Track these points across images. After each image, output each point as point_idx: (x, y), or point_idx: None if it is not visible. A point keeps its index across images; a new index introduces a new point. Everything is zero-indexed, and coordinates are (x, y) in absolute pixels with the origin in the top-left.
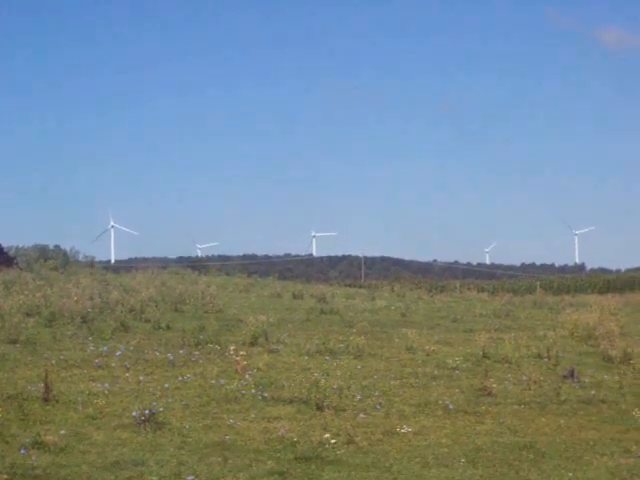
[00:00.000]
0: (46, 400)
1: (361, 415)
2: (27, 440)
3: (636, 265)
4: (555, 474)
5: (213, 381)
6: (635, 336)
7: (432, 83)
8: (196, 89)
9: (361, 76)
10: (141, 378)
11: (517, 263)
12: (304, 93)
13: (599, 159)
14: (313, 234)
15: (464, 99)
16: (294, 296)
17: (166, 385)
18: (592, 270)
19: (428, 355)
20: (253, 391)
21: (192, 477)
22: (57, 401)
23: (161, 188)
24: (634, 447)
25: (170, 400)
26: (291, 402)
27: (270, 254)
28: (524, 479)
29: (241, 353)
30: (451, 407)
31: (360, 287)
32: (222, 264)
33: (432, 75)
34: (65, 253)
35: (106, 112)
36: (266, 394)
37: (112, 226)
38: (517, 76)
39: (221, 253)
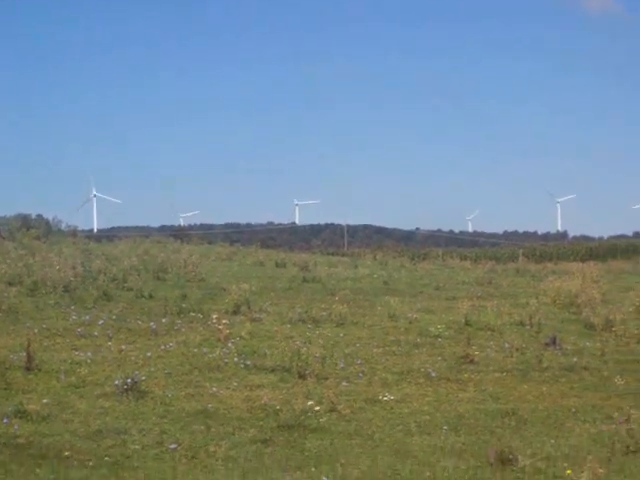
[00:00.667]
0: (28, 369)
1: (344, 383)
2: (9, 409)
3: (618, 232)
4: (537, 441)
5: (195, 349)
6: (617, 303)
7: (416, 61)
8: (181, 63)
9: (344, 54)
10: (123, 347)
11: (500, 231)
12: (291, 66)
13: (580, 127)
14: (296, 202)
15: (446, 75)
16: (277, 264)
17: (148, 354)
18: (574, 238)
19: (410, 323)
20: (235, 359)
21: (175, 445)
22: (39, 370)
23: (144, 157)
24: (616, 414)
25: (152, 369)
26: (273, 370)
27: (253, 223)
28: (506, 446)
29: (223, 321)
30: (433, 375)
31: (343, 255)
32: (205, 233)
33: (415, 54)
34: (47, 222)
35: (88, 81)
36: (248, 362)
37: (94, 195)
38: (497, 54)
39: (204, 222)
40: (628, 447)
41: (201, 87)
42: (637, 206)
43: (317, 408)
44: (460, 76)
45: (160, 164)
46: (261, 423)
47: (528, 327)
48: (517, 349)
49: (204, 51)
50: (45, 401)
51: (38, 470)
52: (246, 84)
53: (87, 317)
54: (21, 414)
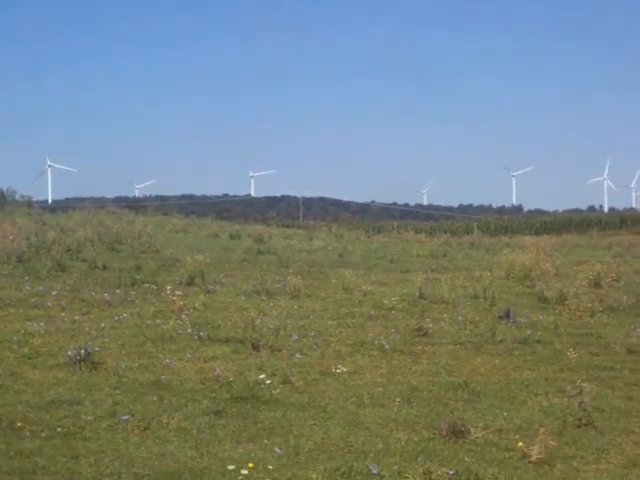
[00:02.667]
0: None
1: (297, 355)
2: None
3: (572, 207)
4: (490, 413)
5: (149, 321)
6: (571, 277)
7: (371, 35)
8: (137, 38)
9: (300, 28)
10: (77, 318)
11: (455, 204)
12: (248, 40)
13: (535, 100)
14: (251, 174)
15: (401, 50)
16: (231, 236)
17: (102, 325)
18: (529, 211)
19: (365, 295)
20: (189, 331)
21: (127, 416)
22: None
23: (99, 129)
24: (568, 387)
25: (106, 340)
26: (227, 342)
27: (208, 194)
28: (458, 418)
29: (177, 293)
30: (387, 347)
31: (298, 228)
32: (160, 204)
33: (371, 28)
34: (2, 193)
35: (43, 50)
36: (202, 334)
37: (49, 165)
38: (450, 27)
39: (159, 193)
40: (580, 420)
41: (157, 61)
42: (592, 180)
43: (270, 380)
44: (415, 50)
45: (115, 135)
46: (214, 394)
47: (482, 300)
48: (471, 322)
49: (160, 27)
50: None
51: None
52: (202, 57)
53: (41, 288)
54: None
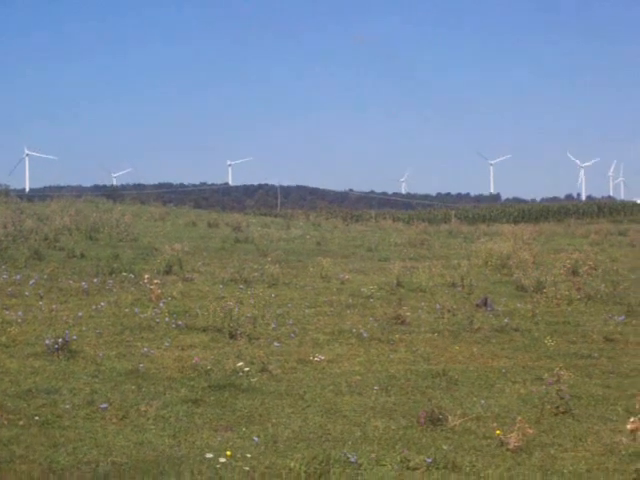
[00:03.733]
0: None
1: (275, 343)
2: None
3: (550, 195)
4: (467, 401)
5: (127, 309)
6: (548, 265)
7: (346, 23)
8: (116, 28)
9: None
10: (55, 306)
11: (433, 193)
12: (223, 30)
13: (513, 88)
14: (229, 163)
15: (376, 38)
16: (209, 225)
17: (80, 313)
18: (507, 200)
19: (343, 284)
20: (167, 319)
21: (105, 405)
22: None
23: (75, 116)
24: (545, 375)
25: (84, 328)
26: (205, 330)
27: (186, 183)
28: (436, 406)
29: (155, 282)
30: (365, 335)
31: (276, 216)
32: (137, 193)
33: (345, 17)
34: None
35: (19, 41)
36: (180, 322)
37: (27, 154)
38: (428, 18)
39: (136, 182)
40: (557, 408)
41: (134, 50)
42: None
43: (248, 368)
44: (391, 39)
45: (93, 124)
46: (192, 383)
47: (460, 288)
48: (448, 310)
49: (136, 16)
50: None
51: None
52: (179, 47)
53: (18, 276)
54: None
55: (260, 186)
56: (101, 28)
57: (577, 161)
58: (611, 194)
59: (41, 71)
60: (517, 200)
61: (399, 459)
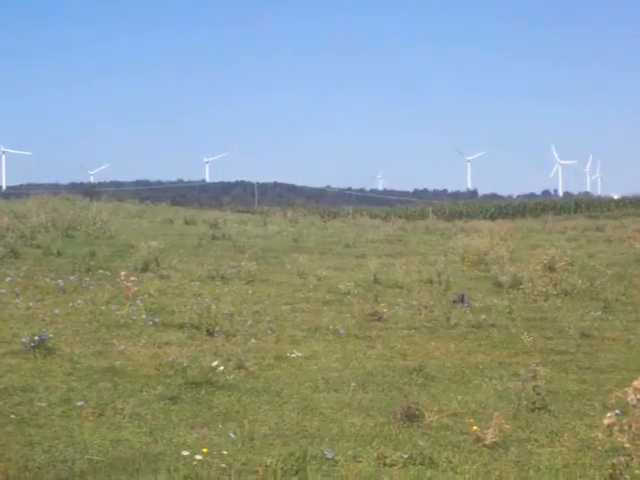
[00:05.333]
0: None
1: (252, 340)
2: None
3: (527, 191)
4: (444, 397)
5: (104, 307)
6: (525, 261)
7: (319, 16)
8: (91, 19)
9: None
10: (31, 304)
11: (410, 189)
12: (198, 24)
13: (490, 84)
14: (206, 160)
15: (353, 27)
16: (186, 222)
17: (56, 311)
18: (484, 196)
19: (319, 280)
20: (144, 317)
21: (82, 402)
22: None
23: (51, 112)
24: (522, 370)
25: (60, 326)
26: (182, 328)
27: (163, 180)
28: (413, 402)
29: (132, 279)
30: (342, 332)
31: (253, 213)
32: (114, 190)
33: (314, 11)
34: None
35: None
36: (157, 320)
37: (3, 152)
38: (401, 8)
39: (113, 179)
40: (534, 403)
41: (108, 44)
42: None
43: (225, 365)
44: (365, 31)
45: (69, 120)
46: (169, 380)
47: (437, 285)
48: (425, 306)
49: (116, 9)
50: None
51: None
52: (154, 42)
53: None
54: None
55: (237, 183)
56: (73, 22)
57: (556, 156)
58: (588, 190)
59: (16, 66)
60: (494, 196)
61: (376, 455)
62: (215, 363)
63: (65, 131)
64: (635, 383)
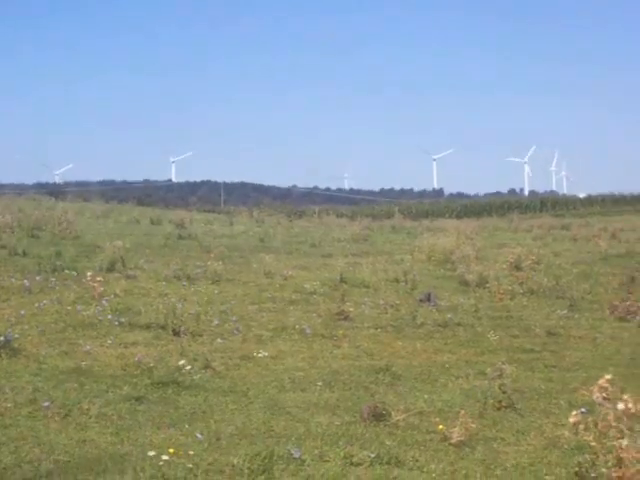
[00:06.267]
0: None
1: (218, 340)
2: None
3: (494, 190)
4: (411, 396)
5: (70, 307)
6: (491, 260)
7: (285, 15)
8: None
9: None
10: None
11: (376, 188)
12: (164, 26)
13: (455, 82)
14: (172, 160)
15: (316, 29)
16: (152, 222)
17: (22, 312)
18: (451, 195)
19: (286, 280)
20: (110, 317)
21: (48, 403)
22: None
23: (15, 111)
24: (488, 369)
25: (26, 327)
26: (148, 328)
27: (129, 180)
28: (379, 402)
29: (98, 279)
30: (308, 331)
31: (219, 213)
32: (80, 190)
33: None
34: None
35: None
36: (123, 320)
37: None
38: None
39: (79, 179)
40: (500, 402)
41: (74, 43)
42: (510, 159)
43: (191, 365)
44: (330, 29)
45: (34, 120)
46: (135, 380)
47: (403, 284)
48: (392, 306)
49: (80, 11)
50: None
51: None
52: (120, 41)
53: None
54: None
55: (203, 183)
56: (33, 22)
57: (517, 159)
58: (554, 189)
59: None
60: (460, 195)
61: (343, 455)
62: (182, 362)
63: (30, 131)
64: (600, 381)
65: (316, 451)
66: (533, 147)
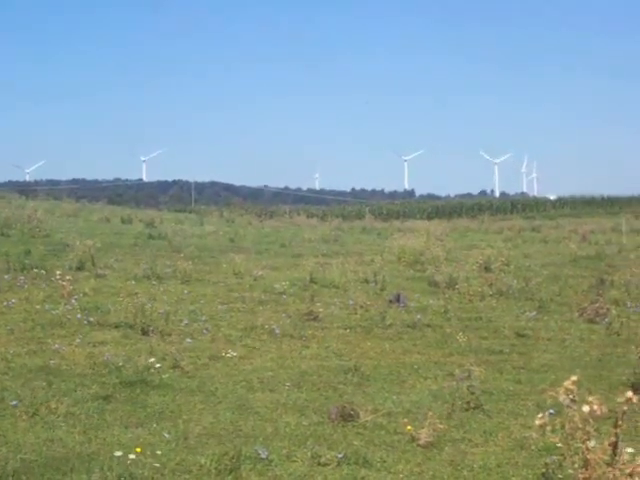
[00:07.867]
0: None
1: (187, 340)
2: None
3: (464, 191)
4: (379, 397)
5: (38, 306)
6: (461, 261)
7: (264, 16)
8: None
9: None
10: None
11: (347, 189)
12: (139, 24)
13: (426, 83)
14: (143, 159)
15: (290, 30)
16: (123, 221)
17: None
18: (421, 196)
19: (255, 280)
20: (79, 316)
21: (15, 402)
22: None
23: None
24: (457, 370)
25: None
26: (117, 327)
27: (99, 179)
28: (348, 402)
29: (67, 278)
30: (277, 331)
31: (190, 212)
32: (51, 189)
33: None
34: None
35: None
36: (92, 319)
37: None
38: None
39: (49, 178)
40: (468, 403)
41: (45, 40)
42: (485, 156)
43: (159, 365)
44: (298, 31)
45: (3, 118)
46: (103, 379)
47: (373, 284)
48: (361, 306)
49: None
50: None
51: None
52: (96, 37)
53: None
54: None
55: (174, 182)
56: (23, 19)
57: (490, 158)
58: (524, 190)
59: None
60: (431, 196)
61: (310, 455)
62: (151, 361)
63: (0, 129)
64: (566, 383)
65: (284, 451)
66: (509, 154)
